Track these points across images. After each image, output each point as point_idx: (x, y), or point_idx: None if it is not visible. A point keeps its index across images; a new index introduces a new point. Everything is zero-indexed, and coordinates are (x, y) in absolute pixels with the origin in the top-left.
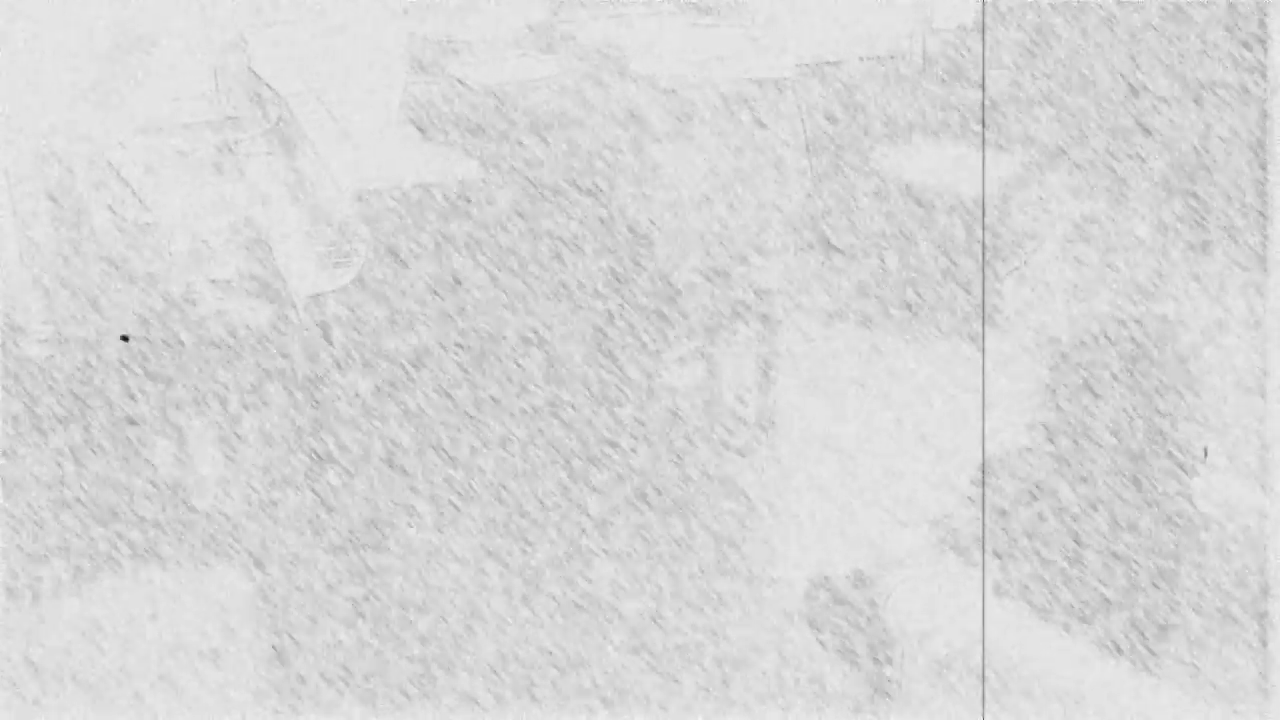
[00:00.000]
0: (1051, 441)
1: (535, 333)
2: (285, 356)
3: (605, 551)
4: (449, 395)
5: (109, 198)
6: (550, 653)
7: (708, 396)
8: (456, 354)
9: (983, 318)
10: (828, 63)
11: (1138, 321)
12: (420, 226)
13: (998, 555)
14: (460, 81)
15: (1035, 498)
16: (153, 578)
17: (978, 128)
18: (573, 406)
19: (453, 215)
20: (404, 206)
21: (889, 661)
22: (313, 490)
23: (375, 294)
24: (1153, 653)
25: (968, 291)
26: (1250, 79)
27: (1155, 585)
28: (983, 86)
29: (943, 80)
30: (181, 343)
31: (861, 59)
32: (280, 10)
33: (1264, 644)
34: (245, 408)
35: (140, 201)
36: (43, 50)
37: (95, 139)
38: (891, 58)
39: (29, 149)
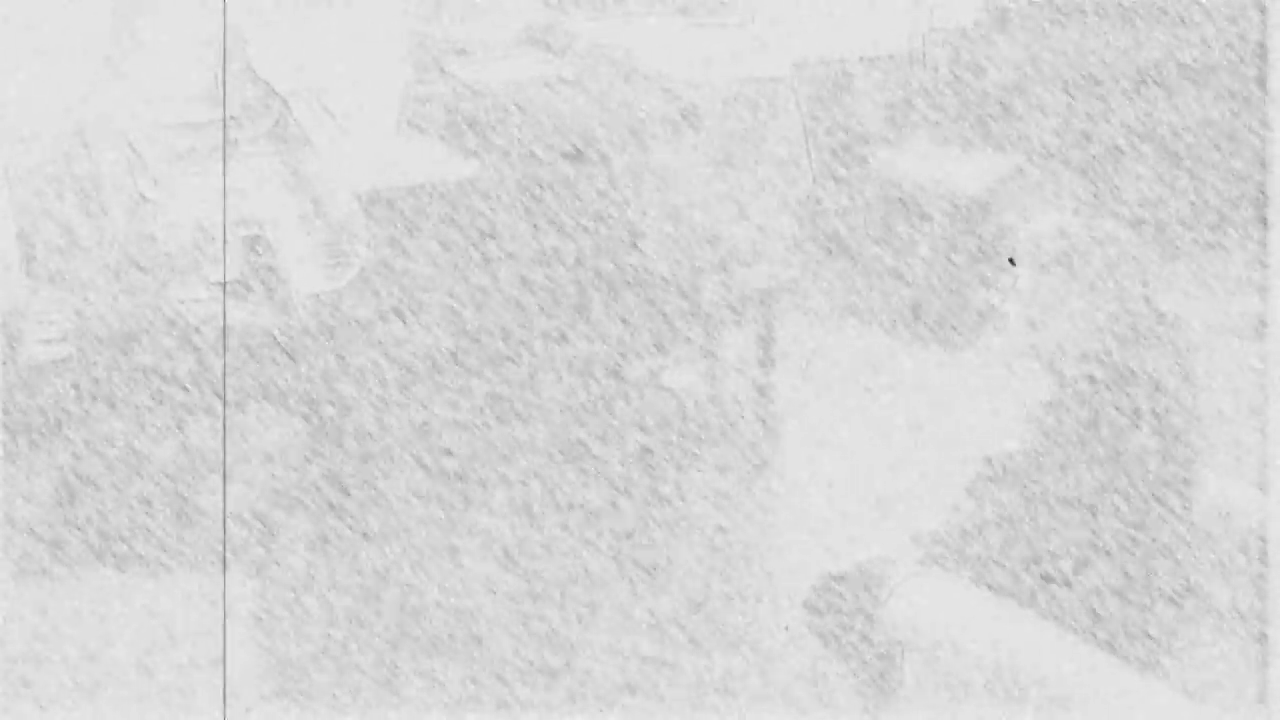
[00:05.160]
0: (1050, 443)
1: (535, 333)
2: (289, 355)
3: (605, 551)
4: (449, 395)
5: (108, 199)
6: (550, 652)
7: (708, 396)
8: (457, 354)
9: (982, 319)
10: (827, 62)
11: (1138, 321)
12: (420, 226)
13: (997, 556)
14: (460, 81)
15: (1034, 498)
16: (154, 578)
17: (978, 127)
18: (572, 406)
19: (452, 215)
20: (404, 206)
21: (889, 661)
22: (315, 489)
23: (375, 293)
24: (1152, 653)
25: (968, 293)
26: (1250, 76)
27: (1155, 586)
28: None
29: (942, 79)
30: (183, 343)
31: (861, 59)
32: (280, 10)
33: (1264, 645)
34: (247, 407)
35: (140, 205)
36: (40, 50)
37: (92, 140)
38: (891, 57)
39: (26, 150)
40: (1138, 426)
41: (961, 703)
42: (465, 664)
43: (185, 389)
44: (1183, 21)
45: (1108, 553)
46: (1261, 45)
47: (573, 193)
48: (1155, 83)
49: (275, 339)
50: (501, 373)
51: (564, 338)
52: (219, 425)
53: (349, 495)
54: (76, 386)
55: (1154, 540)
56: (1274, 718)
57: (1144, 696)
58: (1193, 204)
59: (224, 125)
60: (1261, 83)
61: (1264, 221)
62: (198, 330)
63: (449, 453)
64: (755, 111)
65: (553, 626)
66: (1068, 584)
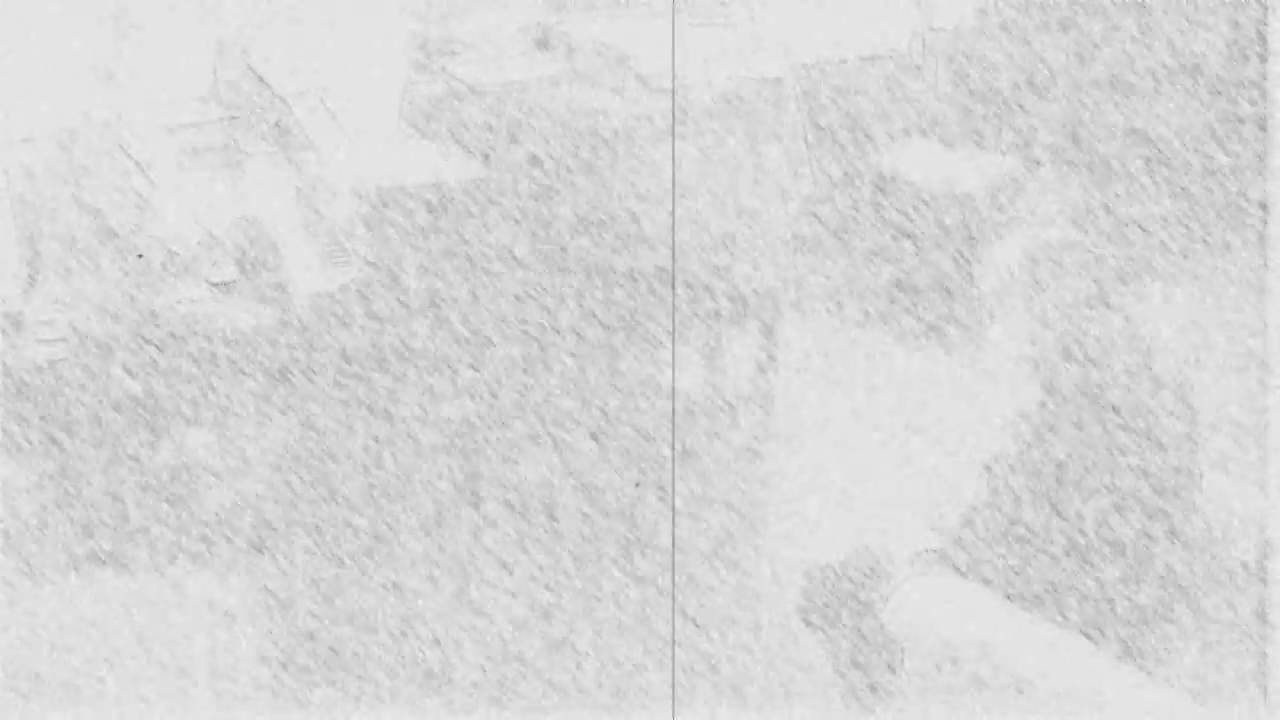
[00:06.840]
0: (1051, 443)
1: (535, 333)
2: (289, 356)
3: (604, 548)
4: (448, 394)
5: (107, 199)
6: (548, 652)
7: (708, 396)
8: (455, 352)
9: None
10: (827, 62)
11: (1138, 321)
12: (419, 225)
13: (997, 557)
14: (460, 81)
15: (1035, 498)
16: (153, 578)
17: (977, 127)
18: (572, 406)
19: (452, 214)
20: (403, 206)
21: (887, 661)
22: (314, 491)
23: (375, 293)
24: (1153, 653)
25: (966, 293)
26: (1250, 76)
27: (1156, 587)
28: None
29: (942, 79)
30: (183, 344)
31: (861, 59)
32: (280, 10)
33: (1264, 645)
34: (247, 408)
35: (139, 205)
36: (40, 52)
37: (92, 141)
38: (891, 57)
39: (26, 152)
40: (1138, 427)
41: (961, 703)
42: (461, 663)
43: (183, 389)
44: (1182, 22)
45: (1108, 553)
46: (1261, 45)
47: (572, 192)
48: (1155, 84)
49: (272, 339)
50: (499, 372)
51: (564, 336)
52: (216, 426)
53: (345, 496)
54: (76, 386)
55: (1154, 541)
56: (1274, 718)
57: (1144, 696)
58: (1192, 205)
59: (224, 126)
60: (1261, 83)
61: (1264, 222)
62: (197, 330)
63: (446, 451)
64: (755, 111)
65: (549, 623)
66: (1066, 584)
